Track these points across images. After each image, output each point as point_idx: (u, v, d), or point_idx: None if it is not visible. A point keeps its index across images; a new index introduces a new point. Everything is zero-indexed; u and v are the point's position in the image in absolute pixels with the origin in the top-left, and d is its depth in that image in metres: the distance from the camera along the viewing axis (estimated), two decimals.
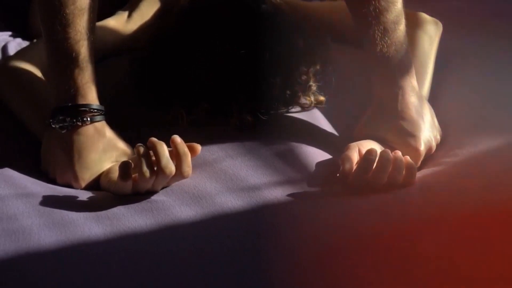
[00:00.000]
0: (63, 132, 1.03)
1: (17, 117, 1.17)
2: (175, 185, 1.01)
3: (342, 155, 1.03)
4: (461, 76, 1.26)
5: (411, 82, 1.09)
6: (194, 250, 0.91)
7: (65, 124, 1.03)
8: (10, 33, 1.56)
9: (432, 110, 1.13)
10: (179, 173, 0.98)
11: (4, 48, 1.43)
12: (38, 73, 1.19)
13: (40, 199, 0.98)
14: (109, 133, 1.06)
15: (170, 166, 0.96)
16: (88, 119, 1.03)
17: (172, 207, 0.97)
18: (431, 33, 1.24)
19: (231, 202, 0.98)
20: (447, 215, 0.96)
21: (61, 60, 1.03)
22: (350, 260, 0.91)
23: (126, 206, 0.97)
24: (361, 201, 0.99)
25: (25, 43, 1.45)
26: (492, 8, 1.44)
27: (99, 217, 0.95)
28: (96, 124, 1.04)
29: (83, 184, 1.04)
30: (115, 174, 1.00)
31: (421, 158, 1.09)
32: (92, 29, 1.05)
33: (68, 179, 1.04)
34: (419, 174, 1.05)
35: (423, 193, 1.01)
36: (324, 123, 1.18)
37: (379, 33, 1.06)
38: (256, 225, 0.95)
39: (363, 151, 1.03)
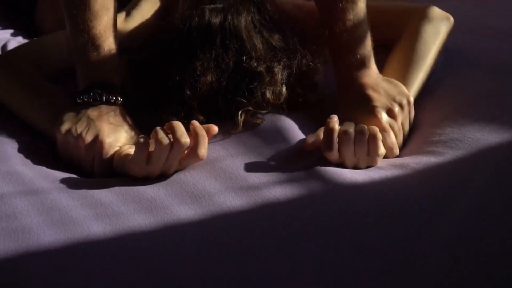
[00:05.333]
0: (96, 103, 1.10)
1: (16, 112, 1.18)
2: (175, 183, 1.02)
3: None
4: (463, 73, 1.26)
5: (366, 69, 1.16)
6: (193, 249, 0.91)
7: (100, 97, 1.10)
8: (12, 31, 1.57)
9: (396, 83, 1.17)
10: (195, 154, 1.01)
11: (4, 47, 1.44)
12: (36, 68, 1.20)
13: (39, 197, 0.98)
14: (128, 117, 1.11)
15: (185, 136, 1.00)
16: (119, 98, 1.11)
17: (171, 206, 0.97)
18: (438, 27, 1.25)
19: (230, 201, 0.98)
20: (446, 207, 0.97)
21: (94, 53, 1.11)
22: (348, 255, 0.91)
23: (126, 204, 0.97)
24: (359, 196, 0.99)
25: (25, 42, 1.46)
26: (491, 8, 1.44)
27: (98, 216, 0.95)
28: (121, 106, 1.12)
29: (107, 142, 1.06)
30: (129, 151, 1.04)
31: (386, 123, 1.12)
32: (116, 24, 1.15)
33: (94, 139, 1.06)
34: (417, 164, 1.05)
35: (421, 183, 1.01)
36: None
37: (337, 28, 1.16)
38: (255, 224, 0.95)
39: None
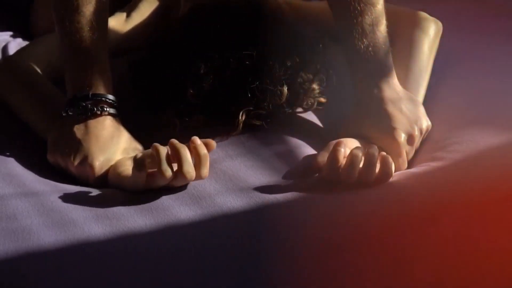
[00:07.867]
0: (81, 118, 1.05)
1: (18, 115, 1.17)
2: None
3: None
4: (462, 74, 1.26)
5: (388, 80, 1.11)
6: (194, 250, 0.91)
7: (85, 111, 1.05)
8: (11, 33, 1.57)
9: (417, 102, 1.13)
10: (198, 175, 0.98)
11: (5, 48, 1.44)
12: (39, 70, 1.20)
13: (39, 198, 0.98)
14: (122, 127, 1.08)
15: (191, 171, 0.96)
16: (107, 109, 1.06)
17: (171, 207, 0.97)
18: (431, 34, 1.23)
19: (230, 202, 0.98)
20: (446, 211, 0.96)
21: (80, 57, 1.07)
22: (349, 257, 0.91)
23: (126, 206, 0.97)
24: (359, 197, 0.99)
25: (25, 44, 1.45)
26: (492, 7, 1.44)
27: (99, 217, 0.95)
28: (112, 116, 1.07)
29: (97, 166, 1.03)
30: (125, 167, 1.01)
31: (403, 148, 1.08)
32: (107, 28, 1.09)
33: (83, 163, 1.03)
34: (417, 169, 1.05)
35: (421, 188, 1.01)
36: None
37: (356, 34, 1.08)
38: (256, 226, 0.95)
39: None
